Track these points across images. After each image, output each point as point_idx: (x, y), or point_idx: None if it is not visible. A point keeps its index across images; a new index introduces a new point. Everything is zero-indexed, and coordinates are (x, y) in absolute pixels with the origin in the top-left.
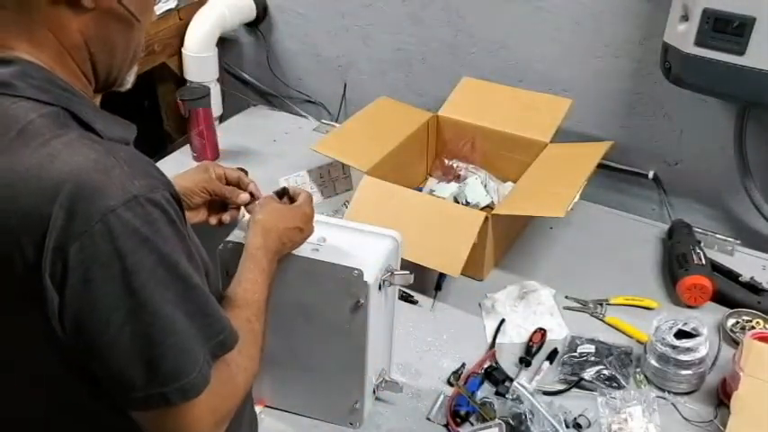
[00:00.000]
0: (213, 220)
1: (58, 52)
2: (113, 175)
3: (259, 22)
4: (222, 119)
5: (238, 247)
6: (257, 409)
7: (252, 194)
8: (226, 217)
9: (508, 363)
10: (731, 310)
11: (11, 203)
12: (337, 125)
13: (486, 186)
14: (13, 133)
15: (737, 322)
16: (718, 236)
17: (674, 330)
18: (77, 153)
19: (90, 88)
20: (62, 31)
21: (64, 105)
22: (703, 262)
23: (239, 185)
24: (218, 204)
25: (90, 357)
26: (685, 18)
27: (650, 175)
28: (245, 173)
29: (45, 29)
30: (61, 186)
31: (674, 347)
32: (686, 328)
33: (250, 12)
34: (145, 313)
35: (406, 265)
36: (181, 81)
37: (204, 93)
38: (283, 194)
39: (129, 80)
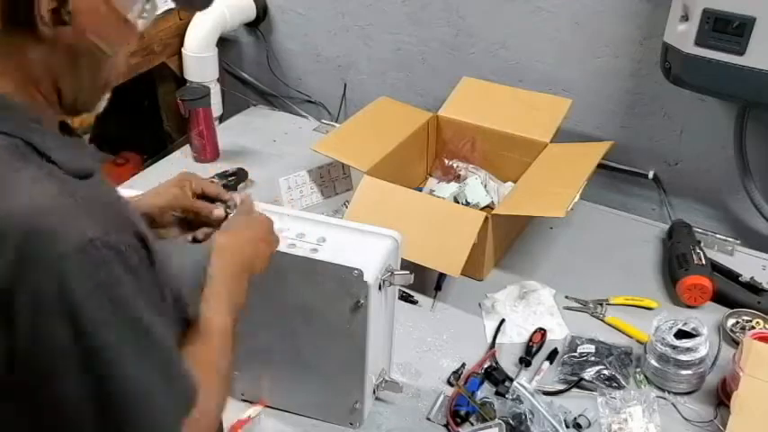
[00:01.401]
0: (186, 238)
1: (18, 78)
2: (68, 218)
3: (259, 22)
4: (222, 119)
5: None
6: (257, 409)
7: (226, 211)
8: (198, 234)
9: (508, 363)
10: (731, 310)
11: None
12: (337, 125)
13: (486, 186)
14: None
15: (737, 322)
16: (718, 236)
17: (674, 330)
18: (32, 191)
19: (54, 114)
20: (23, 58)
21: (22, 136)
22: (703, 262)
23: (218, 199)
24: (192, 219)
25: (40, 411)
26: (685, 18)
27: (650, 175)
28: (245, 173)
29: (3, 55)
30: (12, 228)
31: (674, 347)
32: (686, 328)
33: (250, 12)
34: (100, 367)
35: (406, 265)
36: (181, 81)
37: (204, 93)
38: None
39: (101, 107)
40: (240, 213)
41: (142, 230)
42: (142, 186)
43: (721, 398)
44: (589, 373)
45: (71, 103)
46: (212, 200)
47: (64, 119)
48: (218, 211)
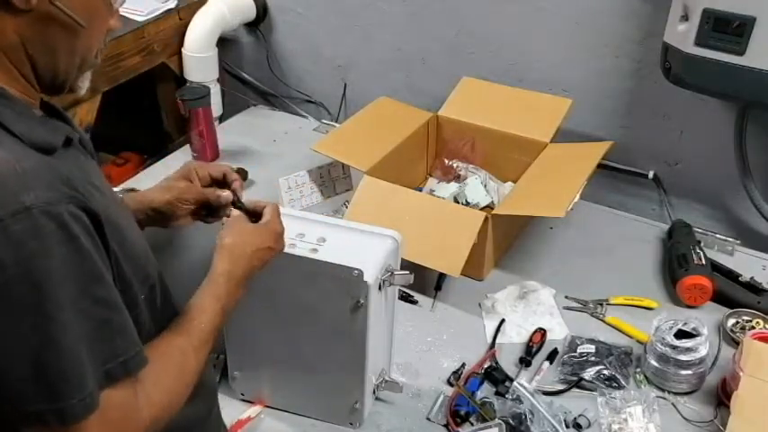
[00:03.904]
0: (190, 220)
1: (11, 44)
2: (8, 183)
3: (259, 22)
4: (222, 119)
5: None
6: (257, 409)
7: (235, 193)
8: (211, 219)
9: (508, 363)
10: (731, 310)
11: None
12: (337, 125)
13: (486, 186)
14: None
15: (737, 322)
16: (718, 236)
17: (674, 330)
18: None
19: (32, 90)
20: (12, 29)
21: None
22: (703, 262)
23: (225, 181)
24: (207, 206)
25: None
26: (685, 18)
27: (650, 175)
28: (246, 173)
29: (8, 21)
30: None
31: (674, 347)
32: (686, 328)
33: (250, 12)
34: (21, 329)
35: (406, 265)
36: (181, 81)
37: (204, 93)
38: (242, 208)
39: (83, 86)
40: (266, 215)
41: (97, 207)
42: (142, 186)
43: (721, 398)
44: (589, 373)
45: (49, 79)
46: (222, 184)
47: (46, 98)
48: (226, 194)
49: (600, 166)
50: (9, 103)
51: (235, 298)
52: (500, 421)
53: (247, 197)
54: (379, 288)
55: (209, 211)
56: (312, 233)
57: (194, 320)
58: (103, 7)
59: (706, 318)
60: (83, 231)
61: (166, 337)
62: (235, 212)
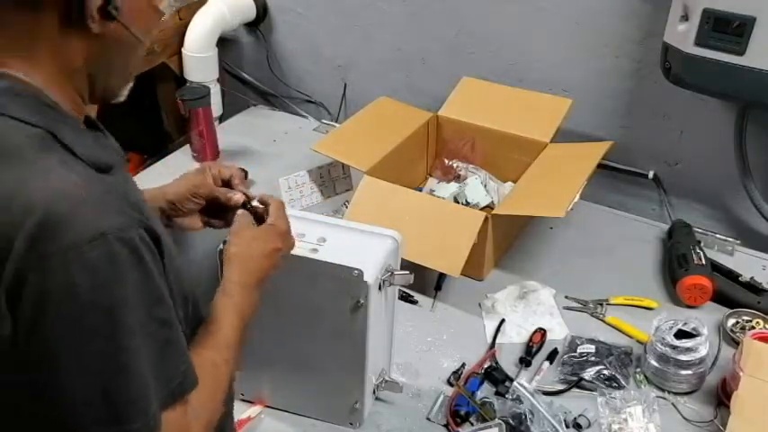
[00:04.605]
0: (199, 224)
1: (53, 73)
2: (84, 209)
3: (259, 22)
4: (222, 119)
5: None
6: (257, 409)
7: (246, 195)
8: (215, 223)
9: (508, 363)
10: (731, 310)
11: None
12: (337, 125)
13: (486, 186)
14: None
15: (737, 322)
16: (718, 236)
17: (674, 330)
18: (53, 181)
19: (82, 106)
20: (64, 54)
21: (49, 128)
22: (703, 262)
23: (232, 182)
24: (216, 207)
25: (35, 395)
26: (685, 18)
27: (650, 175)
28: (246, 173)
29: (45, 50)
30: (30, 214)
31: (674, 347)
32: (686, 328)
33: (250, 12)
34: (93, 355)
35: (406, 265)
36: (181, 81)
37: (204, 93)
38: (251, 208)
39: (124, 93)
40: (271, 216)
41: (157, 227)
42: (142, 186)
43: (721, 398)
44: (589, 373)
45: (101, 93)
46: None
47: (89, 113)
48: (236, 196)
49: (600, 166)
50: (68, 120)
51: (252, 305)
52: (500, 421)
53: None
54: (379, 288)
55: (215, 212)
56: (312, 233)
57: (218, 333)
58: (157, 20)
59: (706, 318)
60: (149, 253)
61: (196, 352)
62: (239, 214)
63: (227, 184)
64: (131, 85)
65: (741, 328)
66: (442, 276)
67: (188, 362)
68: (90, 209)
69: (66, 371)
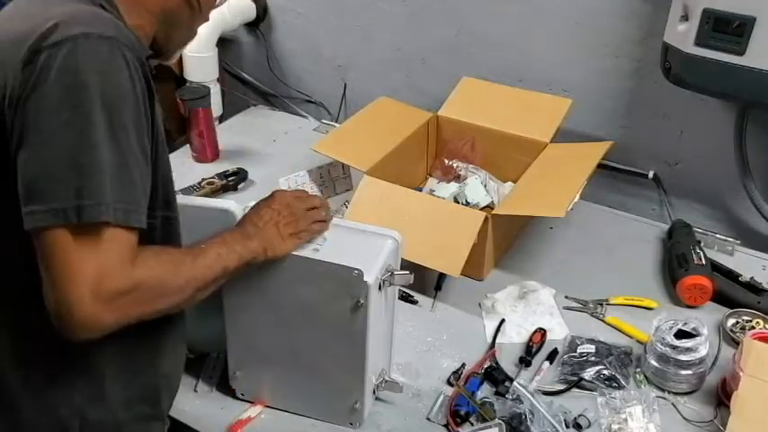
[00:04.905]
0: None
1: (134, 5)
2: (95, 20)
3: (259, 22)
4: (222, 119)
5: None
6: (257, 409)
7: None
8: None
9: (508, 363)
10: (731, 310)
11: (10, 34)
12: (337, 125)
13: (486, 186)
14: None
15: (737, 322)
16: (718, 236)
17: (674, 330)
18: (77, 10)
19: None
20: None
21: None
22: (703, 262)
23: None
24: None
25: (20, 160)
26: (685, 18)
27: (650, 175)
28: (245, 173)
29: None
30: (47, 21)
31: (674, 347)
32: (686, 328)
33: (250, 12)
34: (76, 128)
35: (406, 265)
36: (181, 81)
37: (204, 93)
38: None
39: (176, 56)
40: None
41: (147, 70)
42: None
43: (721, 398)
44: (589, 373)
45: (160, 46)
46: None
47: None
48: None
49: (600, 166)
50: (128, 33)
51: (236, 252)
52: (500, 421)
53: (247, 198)
54: (379, 288)
55: None
56: None
57: (196, 254)
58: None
59: (706, 318)
60: (139, 79)
61: (166, 249)
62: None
63: None
64: (180, 52)
65: (741, 328)
66: (441, 276)
67: (141, 204)
68: (99, 22)
69: (43, 135)
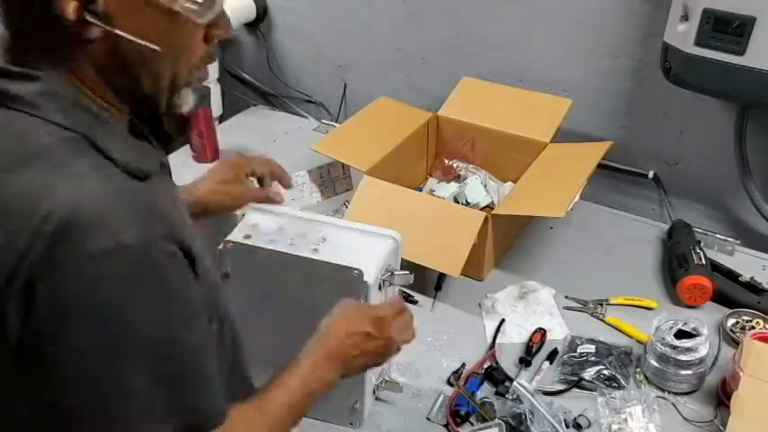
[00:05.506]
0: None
1: (90, 76)
2: (107, 217)
3: (259, 22)
4: (222, 119)
5: (238, 247)
6: None
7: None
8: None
9: (508, 363)
10: (731, 310)
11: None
12: (337, 125)
13: (486, 186)
14: (26, 155)
15: (737, 322)
16: (718, 236)
17: (674, 330)
18: (80, 186)
19: (119, 112)
20: (84, 60)
21: (84, 131)
22: (703, 262)
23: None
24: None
25: (38, 395)
26: (685, 18)
27: (650, 175)
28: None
29: (73, 56)
30: (50, 217)
31: (674, 347)
32: (686, 328)
33: (250, 12)
34: (95, 371)
35: (406, 265)
36: None
37: (204, 93)
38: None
39: (183, 103)
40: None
41: (189, 238)
42: None
43: (721, 398)
44: (589, 373)
45: (135, 103)
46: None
47: (135, 121)
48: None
49: (600, 166)
50: (106, 125)
51: (319, 378)
52: (500, 421)
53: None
54: (379, 288)
55: None
56: (312, 233)
57: (273, 395)
58: (181, 25)
59: (706, 318)
60: (175, 268)
61: (242, 407)
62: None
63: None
64: (189, 93)
65: (741, 328)
66: (442, 276)
67: (213, 396)
68: (113, 217)
69: (67, 382)
